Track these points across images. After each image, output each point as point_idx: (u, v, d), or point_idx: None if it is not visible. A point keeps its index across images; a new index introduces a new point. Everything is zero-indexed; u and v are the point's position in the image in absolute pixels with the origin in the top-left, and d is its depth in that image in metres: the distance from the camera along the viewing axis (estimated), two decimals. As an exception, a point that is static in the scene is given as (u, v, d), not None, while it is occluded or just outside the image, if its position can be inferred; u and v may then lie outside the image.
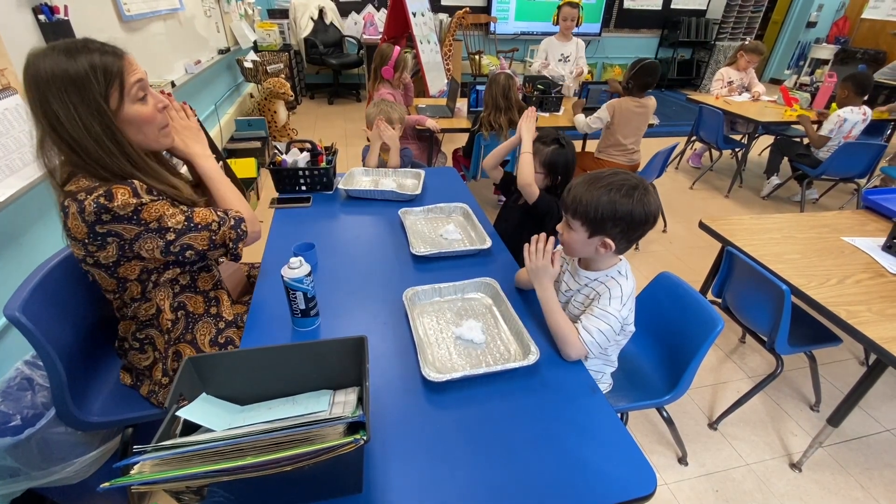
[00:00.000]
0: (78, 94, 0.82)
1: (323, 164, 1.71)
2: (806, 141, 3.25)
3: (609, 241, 0.97)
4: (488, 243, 1.36)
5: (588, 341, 0.98)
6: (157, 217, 0.92)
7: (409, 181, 1.82)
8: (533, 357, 0.94)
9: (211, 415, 0.69)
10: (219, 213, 1.04)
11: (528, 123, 1.53)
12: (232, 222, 1.05)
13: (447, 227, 1.49)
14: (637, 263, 2.68)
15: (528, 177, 1.46)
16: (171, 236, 0.95)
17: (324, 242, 1.37)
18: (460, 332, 1.04)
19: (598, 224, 0.96)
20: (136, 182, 0.91)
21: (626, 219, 0.94)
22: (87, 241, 0.90)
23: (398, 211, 1.55)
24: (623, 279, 1.03)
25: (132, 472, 0.54)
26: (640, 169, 2.84)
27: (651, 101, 2.61)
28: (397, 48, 2.69)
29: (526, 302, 1.16)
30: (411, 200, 1.67)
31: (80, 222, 0.88)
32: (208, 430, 0.67)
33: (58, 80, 0.80)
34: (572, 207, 0.98)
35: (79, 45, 0.83)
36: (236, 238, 1.05)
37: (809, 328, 1.61)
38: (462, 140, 3.05)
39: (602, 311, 1.00)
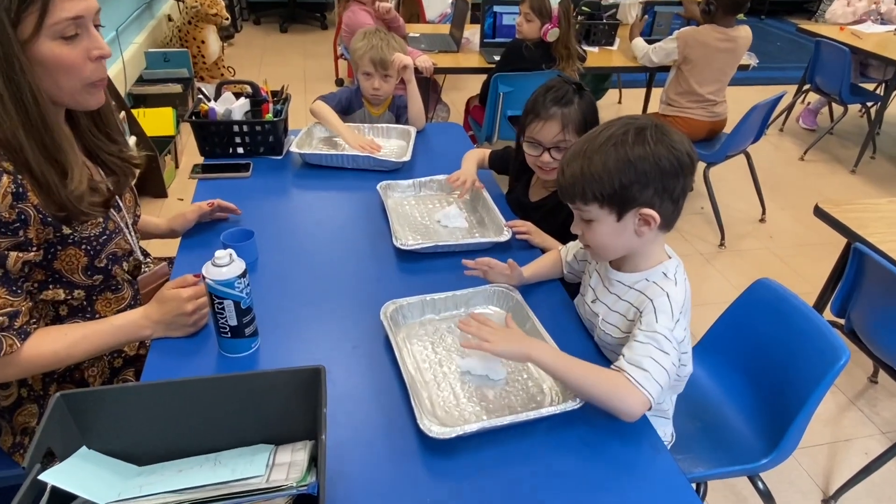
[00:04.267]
0: None
1: (268, 117, 1.70)
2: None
3: (648, 210, 0.96)
4: (506, 235, 1.35)
5: (641, 379, 0.95)
6: None
7: (393, 142, 1.80)
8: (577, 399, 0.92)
9: (92, 480, 0.67)
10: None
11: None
12: None
13: (447, 210, 1.48)
14: (722, 266, 2.67)
15: None
16: None
17: (267, 230, 1.36)
18: (469, 365, 1.02)
19: (623, 195, 0.95)
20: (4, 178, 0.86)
21: (653, 171, 0.94)
22: None
23: (377, 185, 1.54)
24: (670, 284, 1.01)
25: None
26: (725, 129, 2.81)
27: (744, 33, 2.59)
28: None
29: (565, 314, 1.14)
30: (397, 170, 1.66)
31: None
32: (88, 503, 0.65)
33: None
34: (574, 190, 0.98)
35: None
36: None
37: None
38: (475, 86, 3.03)
39: (648, 334, 0.98)
